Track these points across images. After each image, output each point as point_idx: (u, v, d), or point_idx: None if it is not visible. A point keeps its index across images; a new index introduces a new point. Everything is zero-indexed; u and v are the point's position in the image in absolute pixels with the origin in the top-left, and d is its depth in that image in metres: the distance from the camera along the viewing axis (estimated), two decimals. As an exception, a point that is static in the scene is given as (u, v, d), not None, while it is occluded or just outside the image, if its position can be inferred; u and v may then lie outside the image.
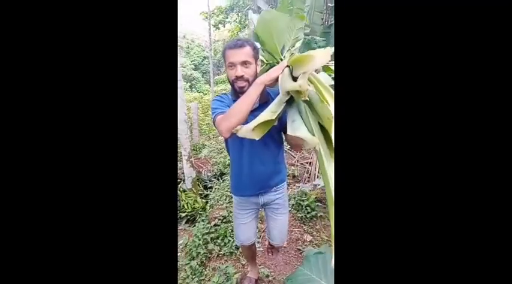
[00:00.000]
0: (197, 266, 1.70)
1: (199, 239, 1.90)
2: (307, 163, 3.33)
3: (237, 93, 1.01)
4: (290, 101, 0.91)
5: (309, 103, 0.82)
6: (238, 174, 1.19)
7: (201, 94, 13.31)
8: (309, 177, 2.95)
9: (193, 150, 4.50)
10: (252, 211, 1.29)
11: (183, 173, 3.15)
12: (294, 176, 3.10)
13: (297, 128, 0.82)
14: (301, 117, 0.86)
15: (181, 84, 2.89)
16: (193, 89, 15.28)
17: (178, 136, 2.93)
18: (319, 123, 0.80)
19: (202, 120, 7.26)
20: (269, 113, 0.86)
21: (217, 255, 1.81)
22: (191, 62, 17.29)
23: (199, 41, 19.17)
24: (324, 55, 0.77)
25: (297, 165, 3.33)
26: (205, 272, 1.67)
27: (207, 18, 8.55)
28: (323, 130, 0.79)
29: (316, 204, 2.30)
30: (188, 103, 6.04)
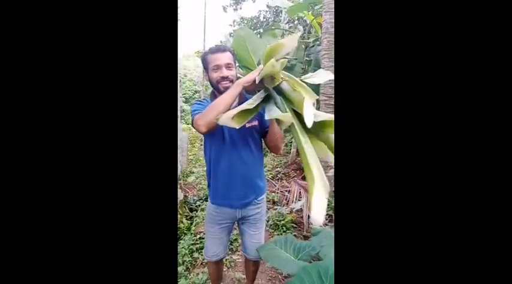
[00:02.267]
0: (183, 271, 1.92)
1: (186, 250, 2.13)
2: (286, 191, 3.65)
3: (220, 95, 1.02)
4: (267, 97, 0.96)
5: (284, 94, 0.92)
6: (218, 176, 1.14)
7: (190, 125, 13.65)
8: (287, 203, 3.26)
9: (182, 176, 4.73)
10: (226, 225, 1.24)
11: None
12: (274, 202, 3.39)
13: (273, 112, 0.88)
14: (278, 107, 0.92)
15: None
16: (183, 121, 15.67)
17: (171, 159, 3.23)
18: (293, 109, 0.89)
19: (190, 150, 7.54)
20: (248, 104, 0.90)
21: (201, 263, 2.04)
22: (182, 94, 17.94)
23: (192, 76, 20.07)
24: (292, 40, 0.85)
25: (277, 192, 3.64)
26: (190, 276, 1.88)
27: (201, 57, 9.24)
28: (297, 114, 0.88)
29: (291, 224, 2.59)
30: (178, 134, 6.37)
